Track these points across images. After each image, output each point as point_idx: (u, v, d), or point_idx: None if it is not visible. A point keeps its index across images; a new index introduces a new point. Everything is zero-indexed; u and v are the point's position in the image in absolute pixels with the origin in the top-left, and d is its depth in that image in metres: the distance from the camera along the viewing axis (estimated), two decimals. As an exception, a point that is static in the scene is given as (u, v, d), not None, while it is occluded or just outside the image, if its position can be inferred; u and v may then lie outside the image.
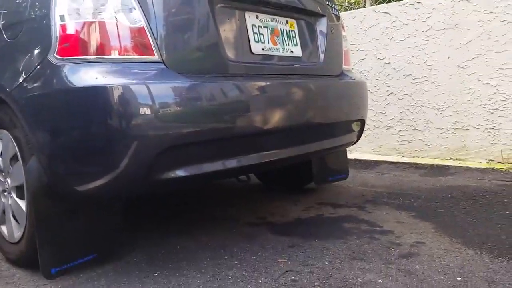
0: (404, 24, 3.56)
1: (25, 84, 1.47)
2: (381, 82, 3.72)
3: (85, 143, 1.37)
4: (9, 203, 1.68)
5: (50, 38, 1.39)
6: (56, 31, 1.38)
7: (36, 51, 1.44)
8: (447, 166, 3.23)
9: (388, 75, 3.68)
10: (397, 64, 3.62)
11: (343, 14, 3.82)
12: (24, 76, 1.47)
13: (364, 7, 4.28)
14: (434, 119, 3.46)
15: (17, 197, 1.62)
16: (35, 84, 1.44)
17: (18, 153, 1.57)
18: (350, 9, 6.21)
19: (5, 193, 1.72)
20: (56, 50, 1.38)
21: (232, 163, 1.58)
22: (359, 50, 3.83)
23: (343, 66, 2.26)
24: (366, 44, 3.79)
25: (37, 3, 1.48)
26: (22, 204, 1.59)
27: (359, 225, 1.94)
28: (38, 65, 1.42)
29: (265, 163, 1.71)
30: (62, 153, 1.42)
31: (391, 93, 3.67)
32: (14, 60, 1.54)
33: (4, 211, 1.73)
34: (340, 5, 6.18)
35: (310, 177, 2.50)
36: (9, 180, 1.68)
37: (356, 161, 3.61)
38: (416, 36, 3.50)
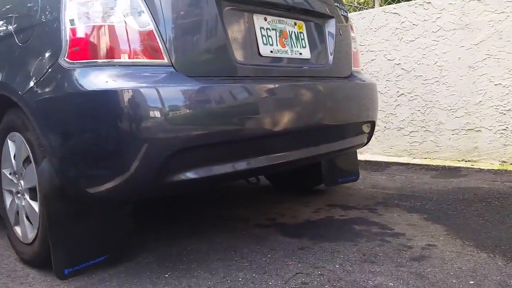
0: (413, 24, 3.53)
1: (36, 88, 1.49)
2: (392, 83, 3.70)
3: (96, 146, 1.39)
4: (23, 204, 1.70)
5: (61, 42, 1.41)
6: (66, 35, 1.40)
7: (47, 55, 1.46)
8: (459, 167, 3.20)
9: (398, 76, 3.66)
10: (407, 65, 3.60)
11: (352, 15, 3.81)
12: (36, 80, 1.50)
13: (373, 7, 4.26)
14: (445, 120, 3.43)
15: (30, 198, 1.64)
16: (46, 88, 1.46)
17: (31, 156, 1.59)
18: (359, 10, 6.20)
19: (19, 195, 1.74)
20: (67, 54, 1.40)
21: (241, 165, 1.58)
22: (368, 51, 3.81)
23: (353, 68, 2.25)
24: (375, 45, 3.78)
25: (47, 8, 1.50)
26: (35, 205, 1.61)
27: (370, 228, 1.93)
28: (49, 69, 1.44)
29: (275, 165, 1.71)
30: (73, 155, 1.44)
31: (402, 94, 3.65)
32: (25, 64, 1.56)
33: (18, 213, 1.75)
34: (349, 5, 6.17)
35: (319, 179, 2.49)
36: (22, 182, 1.70)
37: (367, 162, 3.59)
38: (426, 37, 3.47)
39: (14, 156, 1.74)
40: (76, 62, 1.38)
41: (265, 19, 1.79)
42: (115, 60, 1.39)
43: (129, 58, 1.41)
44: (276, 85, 1.68)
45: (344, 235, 1.85)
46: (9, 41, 1.65)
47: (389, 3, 3.96)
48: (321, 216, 2.16)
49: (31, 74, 1.52)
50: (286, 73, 1.84)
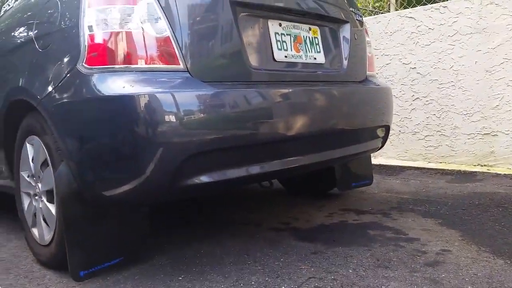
0: (429, 28, 3.51)
1: (55, 93, 1.53)
2: (407, 87, 3.68)
3: (112, 150, 1.41)
4: (40, 206, 1.74)
5: (79, 47, 1.44)
6: (85, 41, 1.43)
7: (65, 61, 1.50)
8: (475, 172, 3.16)
9: (413, 80, 3.63)
10: (422, 69, 3.57)
11: (367, 19, 3.80)
12: (54, 85, 1.53)
13: (388, 11, 4.24)
14: (461, 125, 3.39)
15: (47, 201, 1.68)
16: (64, 93, 1.49)
17: (48, 159, 1.63)
18: (374, 13, 6.17)
19: (36, 197, 1.78)
20: (85, 59, 1.43)
21: (255, 169, 1.60)
22: (383, 55, 3.79)
23: (367, 72, 2.25)
24: (390, 49, 3.76)
25: (67, 14, 1.53)
26: (52, 208, 1.65)
27: (384, 232, 1.92)
28: (67, 74, 1.48)
29: (289, 169, 1.72)
30: (90, 159, 1.46)
31: (417, 98, 3.62)
32: (45, 69, 1.60)
33: (35, 215, 1.79)
34: (363, 9, 6.15)
35: (333, 183, 2.49)
36: (39, 185, 1.74)
37: (381, 166, 3.57)
38: (442, 41, 3.44)
39: (32, 159, 1.77)
40: (94, 68, 1.42)
41: (280, 25, 1.80)
42: (132, 66, 1.42)
43: (145, 63, 1.43)
44: (290, 90, 1.69)
45: (358, 239, 1.84)
46: (29, 47, 1.70)
47: (405, 7, 3.94)
48: (335, 220, 2.15)
49: (50, 79, 1.56)
50: (301, 78, 1.85)
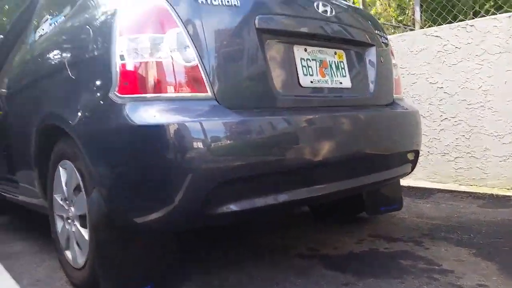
0: (456, 47, 3.45)
1: (87, 119, 1.56)
2: (434, 107, 3.60)
3: (143, 178, 1.42)
4: (73, 230, 1.76)
5: (111, 76, 1.46)
6: (117, 70, 1.45)
7: (97, 88, 1.53)
8: (508, 196, 3.04)
9: (441, 100, 3.56)
10: (450, 89, 3.50)
11: (392, 37, 3.76)
12: (86, 112, 1.57)
13: (413, 26, 4.20)
14: (492, 147, 3.29)
15: (81, 225, 1.70)
16: (96, 120, 1.52)
17: (81, 184, 1.65)
18: (398, 28, 6.10)
19: (69, 221, 1.80)
20: (117, 88, 1.45)
21: (283, 197, 1.57)
22: (409, 74, 3.74)
23: (394, 95, 2.21)
24: (416, 68, 3.70)
25: (99, 42, 1.57)
26: (85, 233, 1.66)
27: (416, 263, 1.85)
28: (99, 102, 1.50)
29: (318, 196, 1.69)
30: (121, 186, 1.48)
31: (445, 118, 3.54)
32: (77, 96, 1.63)
33: (68, 238, 1.82)
34: (387, 24, 6.10)
35: (361, 207, 2.43)
36: (72, 209, 1.76)
37: (410, 188, 3.48)
38: (469, 60, 3.38)
39: (66, 183, 1.80)
40: (126, 97, 1.43)
41: (305, 50, 1.80)
42: (162, 95, 1.43)
43: (175, 92, 1.44)
44: (317, 116, 1.67)
45: (390, 271, 1.78)
46: (62, 73, 1.74)
47: (430, 26, 3.89)
48: (365, 247, 2.09)
49: (82, 106, 1.59)
50: (327, 103, 1.82)
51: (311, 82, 1.77)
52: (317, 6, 1.82)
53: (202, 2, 1.52)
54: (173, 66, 1.45)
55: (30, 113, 2.08)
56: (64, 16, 2.00)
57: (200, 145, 1.38)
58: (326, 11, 1.84)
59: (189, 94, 1.46)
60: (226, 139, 1.42)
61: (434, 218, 2.57)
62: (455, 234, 2.23)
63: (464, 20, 3.58)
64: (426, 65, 3.65)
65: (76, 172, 1.68)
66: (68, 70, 1.70)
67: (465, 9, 4.43)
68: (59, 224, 1.89)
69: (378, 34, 2.17)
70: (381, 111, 2.05)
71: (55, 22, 2.07)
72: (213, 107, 1.47)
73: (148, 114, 1.39)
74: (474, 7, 5.37)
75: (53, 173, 1.90)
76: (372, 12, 7.09)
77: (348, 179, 1.79)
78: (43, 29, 2.21)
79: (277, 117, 1.56)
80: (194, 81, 1.47)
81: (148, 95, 1.42)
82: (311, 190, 1.65)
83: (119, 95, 1.44)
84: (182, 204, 1.38)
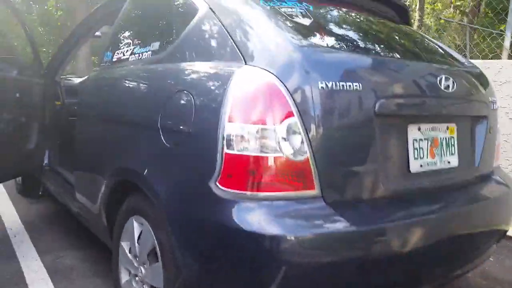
0: (550, 87, 3.13)
1: (176, 196, 1.44)
2: (509, 145, 3.33)
3: (233, 277, 1.31)
4: (141, 292, 1.67)
5: (214, 164, 1.30)
6: (221, 159, 1.29)
7: (195, 169, 1.39)
8: None
9: (520, 140, 3.28)
10: (534, 131, 3.21)
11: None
12: (178, 189, 1.44)
13: (500, 54, 3.84)
14: None
15: None
16: (191, 206, 1.39)
17: (159, 255, 1.53)
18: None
19: (137, 278, 1.71)
20: (219, 179, 1.29)
21: None
22: (488, 106, 3.44)
23: (494, 163, 2.00)
24: (498, 101, 3.39)
25: (203, 120, 1.38)
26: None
27: None
28: (196, 185, 1.36)
29: None
30: (210, 279, 1.37)
31: (522, 161, 3.28)
32: (169, 165, 1.49)
33: None
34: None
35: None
36: (143, 271, 1.66)
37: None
38: None
39: (138, 240, 1.69)
40: (228, 191, 1.28)
41: (419, 129, 1.60)
42: (269, 194, 1.28)
43: (281, 191, 1.29)
44: (426, 208, 1.52)
45: None
46: (151, 130, 1.56)
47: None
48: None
49: (173, 179, 1.46)
50: (434, 190, 1.63)
51: (421, 166, 1.59)
52: (440, 81, 1.60)
53: (322, 87, 1.32)
54: (284, 161, 1.28)
55: (103, 148, 1.98)
56: (152, 53, 1.81)
57: (304, 259, 1.26)
58: (448, 87, 1.62)
59: (296, 193, 1.30)
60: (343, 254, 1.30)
61: (503, 282, 2.36)
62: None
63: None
64: (508, 99, 3.34)
65: (154, 238, 1.56)
66: (161, 133, 1.51)
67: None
68: (124, 277, 1.79)
69: (492, 101, 1.94)
70: (484, 187, 1.85)
71: (139, 54, 1.88)
72: (322, 209, 1.31)
73: (250, 218, 1.25)
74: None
75: (123, 222, 1.78)
76: None
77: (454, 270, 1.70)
78: (123, 54, 2.02)
79: (384, 212, 1.42)
80: (303, 177, 1.30)
81: (253, 193, 1.27)
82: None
83: (220, 187, 1.29)
84: None
